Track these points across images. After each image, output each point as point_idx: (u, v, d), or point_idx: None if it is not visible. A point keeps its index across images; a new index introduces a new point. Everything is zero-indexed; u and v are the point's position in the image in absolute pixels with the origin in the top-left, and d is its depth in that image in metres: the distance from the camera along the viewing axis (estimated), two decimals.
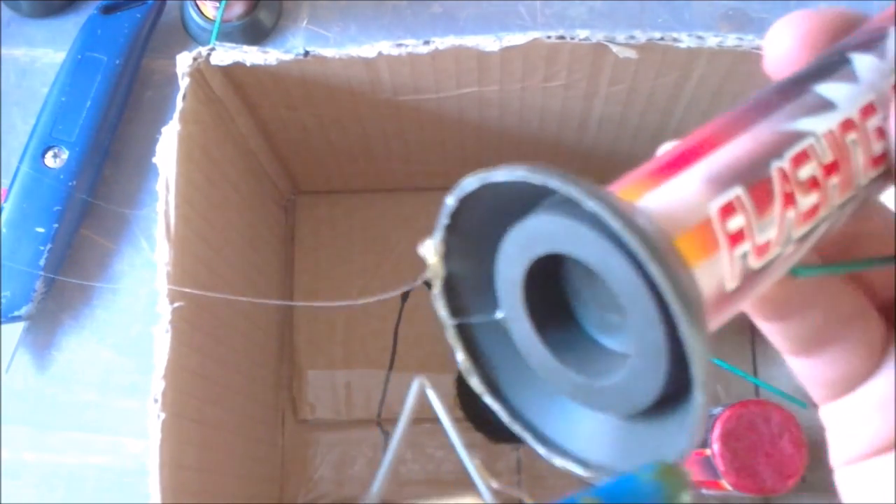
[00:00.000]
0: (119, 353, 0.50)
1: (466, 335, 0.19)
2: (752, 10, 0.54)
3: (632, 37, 0.35)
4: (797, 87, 0.19)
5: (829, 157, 0.18)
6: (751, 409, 0.40)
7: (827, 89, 0.19)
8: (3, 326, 0.48)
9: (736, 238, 0.17)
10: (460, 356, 0.19)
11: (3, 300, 0.47)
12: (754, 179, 0.17)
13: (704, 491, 0.44)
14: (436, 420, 0.49)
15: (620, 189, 0.17)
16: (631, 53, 0.36)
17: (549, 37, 0.35)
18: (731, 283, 0.17)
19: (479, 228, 0.18)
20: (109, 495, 0.47)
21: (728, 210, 0.16)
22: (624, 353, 0.18)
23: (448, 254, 0.18)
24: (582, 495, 0.15)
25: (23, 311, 0.48)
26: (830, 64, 0.19)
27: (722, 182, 0.17)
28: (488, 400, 0.19)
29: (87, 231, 0.51)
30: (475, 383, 0.19)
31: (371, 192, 0.52)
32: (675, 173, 0.17)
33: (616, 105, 0.42)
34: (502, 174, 0.16)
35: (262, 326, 0.47)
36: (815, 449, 0.40)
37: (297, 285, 0.51)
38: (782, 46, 0.20)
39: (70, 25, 0.54)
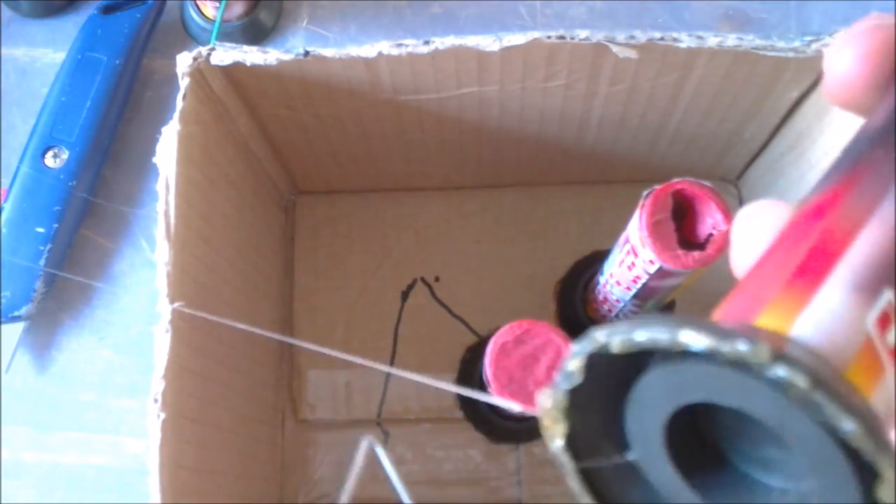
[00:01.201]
0: (119, 353, 0.50)
1: (588, 475, 0.17)
2: (752, 10, 0.54)
3: (632, 37, 0.35)
4: None
5: None
6: None
7: None
8: (3, 326, 0.48)
9: None
10: (587, 500, 0.17)
11: (3, 300, 0.47)
12: None
13: None
14: (436, 420, 0.49)
15: (766, 312, 0.15)
16: (631, 53, 0.36)
17: (549, 37, 0.35)
18: None
19: (602, 374, 0.16)
20: (109, 495, 0.47)
21: (884, 321, 0.14)
22: (786, 489, 0.16)
23: (570, 405, 0.16)
24: None
25: (23, 311, 0.48)
26: None
27: (871, 289, 0.15)
28: None
29: (87, 231, 0.51)
30: None
31: (371, 192, 0.52)
32: (816, 284, 0.15)
33: (616, 105, 0.42)
34: (647, 335, 0.14)
35: (263, 326, 0.47)
36: None
37: (297, 285, 0.51)
38: (842, 68, 0.17)
39: (70, 25, 0.54)
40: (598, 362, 0.15)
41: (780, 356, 0.13)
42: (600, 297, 0.43)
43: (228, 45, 0.35)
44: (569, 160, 0.48)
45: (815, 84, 0.39)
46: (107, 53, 0.50)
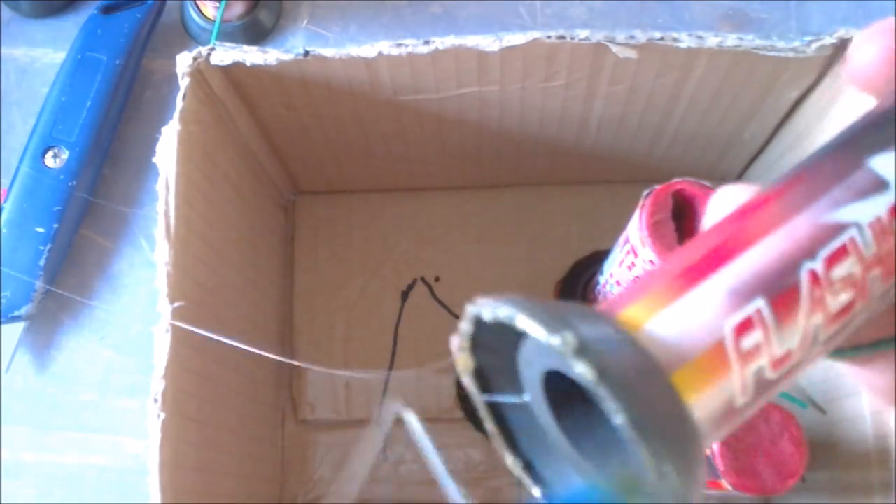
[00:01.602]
0: (119, 353, 0.50)
1: (495, 407, 0.19)
2: (752, 10, 0.54)
3: (632, 37, 0.35)
4: (851, 157, 0.17)
5: (871, 250, 0.16)
6: None
7: (882, 163, 0.17)
8: (3, 326, 0.48)
9: (750, 356, 0.15)
10: (490, 427, 0.19)
11: (3, 300, 0.47)
12: (780, 288, 0.16)
13: (704, 491, 0.44)
14: (436, 420, 0.49)
15: (638, 302, 0.16)
16: (631, 53, 0.36)
17: (549, 37, 0.35)
18: (741, 399, 0.16)
19: (501, 328, 0.17)
20: (109, 495, 0.47)
21: (744, 327, 0.15)
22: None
23: (475, 347, 0.18)
24: None
25: (23, 311, 0.48)
26: (892, 120, 0.17)
27: (744, 295, 0.15)
28: (514, 466, 0.19)
29: (87, 231, 0.51)
30: (501, 448, 0.19)
31: (371, 192, 0.52)
32: (697, 282, 0.16)
33: (616, 105, 0.42)
34: (502, 312, 0.16)
35: (263, 326, 0.47)
36: (815, 449, 0.40)
37: (297, 285, 0.51)
38: (865, 60, 0.18)
39: (70, 25, 0.54)
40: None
41: (580, 351, 0.14)
42: (600, 298, 0.43)
43: (228, 45, 0.35)
44: (569, 160, 0.48)
45: (814, 84, 0.39)
46: (107, 53, 0.50)
